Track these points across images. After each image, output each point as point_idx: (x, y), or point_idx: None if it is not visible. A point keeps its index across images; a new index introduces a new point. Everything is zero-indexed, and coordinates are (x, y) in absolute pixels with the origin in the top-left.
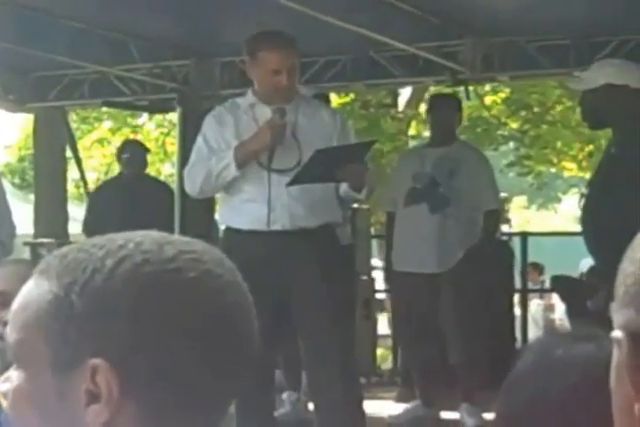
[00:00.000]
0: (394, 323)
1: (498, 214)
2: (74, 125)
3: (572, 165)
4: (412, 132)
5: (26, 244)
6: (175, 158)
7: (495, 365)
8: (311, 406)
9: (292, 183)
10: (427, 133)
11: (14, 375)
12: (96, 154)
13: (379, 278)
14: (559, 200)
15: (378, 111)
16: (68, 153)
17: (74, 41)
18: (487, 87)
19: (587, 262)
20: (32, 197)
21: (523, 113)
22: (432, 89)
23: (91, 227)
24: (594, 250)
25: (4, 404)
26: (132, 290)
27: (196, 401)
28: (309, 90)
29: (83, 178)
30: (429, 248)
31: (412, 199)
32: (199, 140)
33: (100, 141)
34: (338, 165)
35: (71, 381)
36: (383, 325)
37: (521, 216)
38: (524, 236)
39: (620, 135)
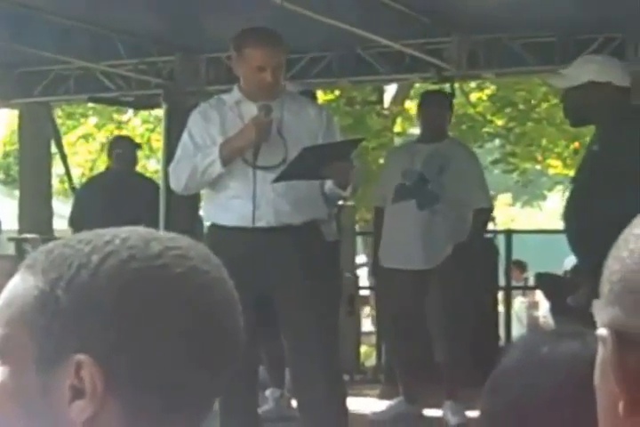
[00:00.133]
0: (378, 319)
1: (488, 213)
2: (59, 121)
3: (557, 163)
4: (397, 128)
5: (10, 239)
6: (160, 154)
7: (479, 362)
8: (295, 403)
9: (277, 180)
10: (412, 130)
11: None
12: (81, 150)
13: (363, 276)
14: (544, 198)
15: (363, 108)
16: (53, 149)
17: (59, 36)
18: (473, 84)
19: (571, 260)
20: (17, 192)
21: (508, 110)
22: (417, 86)
23: (77, 222)
24: (576, 247)
25: None
26: (118, 286)
27: (181, 398)
28: (296, 86)
29: (68, 174)
30: (417, 245)
31: (400, 196)
32: (185, 136)
33: (86, 137)
34: (324, 163)
35: (56, 376)
36: (367, 322)
37: (506, 214)
38: (509, 233)
39: (603, 133)
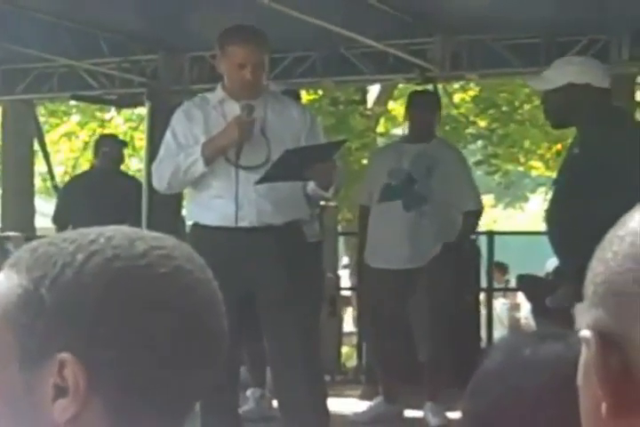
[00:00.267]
0: (359, 319)
1: (478, 215)
2: (41, 119)
3: (540, 165)
4: (380, 129)
5: None
6: (143, 153)
7: (460, 364)
8: (276, 403)
9: (260, 182)
10: (395, 131)
11: None
12: (64, 148)
13: (344, 276)
14: (526, 199)
15: (346, 108)
16: (36, 146)
17: (43, 34)
18: (456, 85)
19: (553, 262)
20: None
21: (491, 111)
22: (401, 86)
23: (61, 220)
24: (558, 249)
25: None
26: (102, 285)
27: (164, 398)
28: (279, 86)
29: (50, 172)
30: (403, 244)
31: (385, 196)
32: (168, 135)
33: (68, 135)
34: (307, 165)
35: (39, 375)
36: (348, 322)
37: (488, 215)
38: (491, 235)
39: (583, 135)
